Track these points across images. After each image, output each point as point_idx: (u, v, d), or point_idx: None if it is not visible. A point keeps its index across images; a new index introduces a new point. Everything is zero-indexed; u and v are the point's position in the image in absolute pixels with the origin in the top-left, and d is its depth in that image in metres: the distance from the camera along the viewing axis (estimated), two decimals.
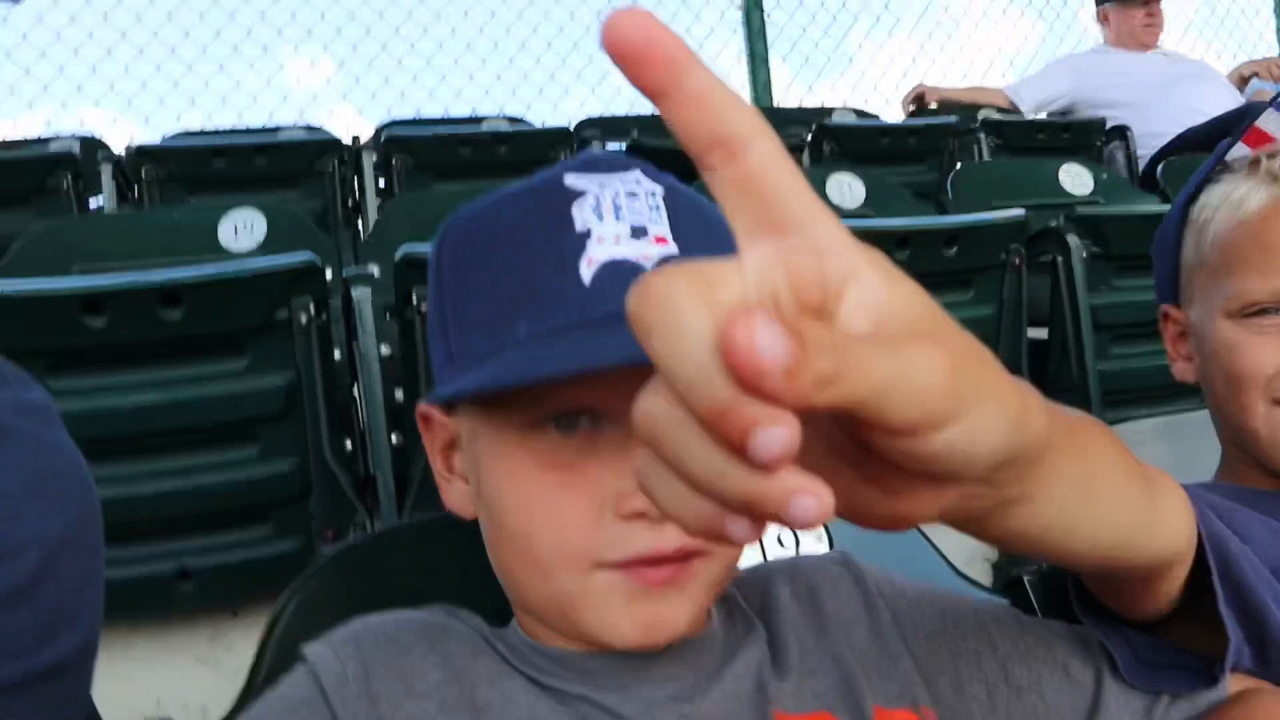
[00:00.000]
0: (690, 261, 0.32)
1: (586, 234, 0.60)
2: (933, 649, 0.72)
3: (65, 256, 2.15)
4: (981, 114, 4.43)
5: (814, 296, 0.33)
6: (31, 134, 3.84)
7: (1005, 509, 0.42)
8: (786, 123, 4.61)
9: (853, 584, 0.75)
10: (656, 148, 3.49)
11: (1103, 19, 4.63)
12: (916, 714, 0.68)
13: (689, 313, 0.30)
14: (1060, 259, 2.40)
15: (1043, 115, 4.53)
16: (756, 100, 5.31)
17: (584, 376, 0.57)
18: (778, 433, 0.29)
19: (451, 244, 0.67)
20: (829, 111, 4.85)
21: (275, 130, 3.88)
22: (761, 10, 5.40)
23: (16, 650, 0.47)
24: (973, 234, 2.25)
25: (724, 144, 0.33)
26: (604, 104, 4.77)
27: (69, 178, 2.98)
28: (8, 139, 3.79)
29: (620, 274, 0.59)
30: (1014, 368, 2.28)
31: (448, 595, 0.80)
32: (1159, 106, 4.17)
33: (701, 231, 0.63)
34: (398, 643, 0.67)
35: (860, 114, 4.97)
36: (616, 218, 0.60)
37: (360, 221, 3.38)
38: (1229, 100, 4.18)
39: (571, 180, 0.63)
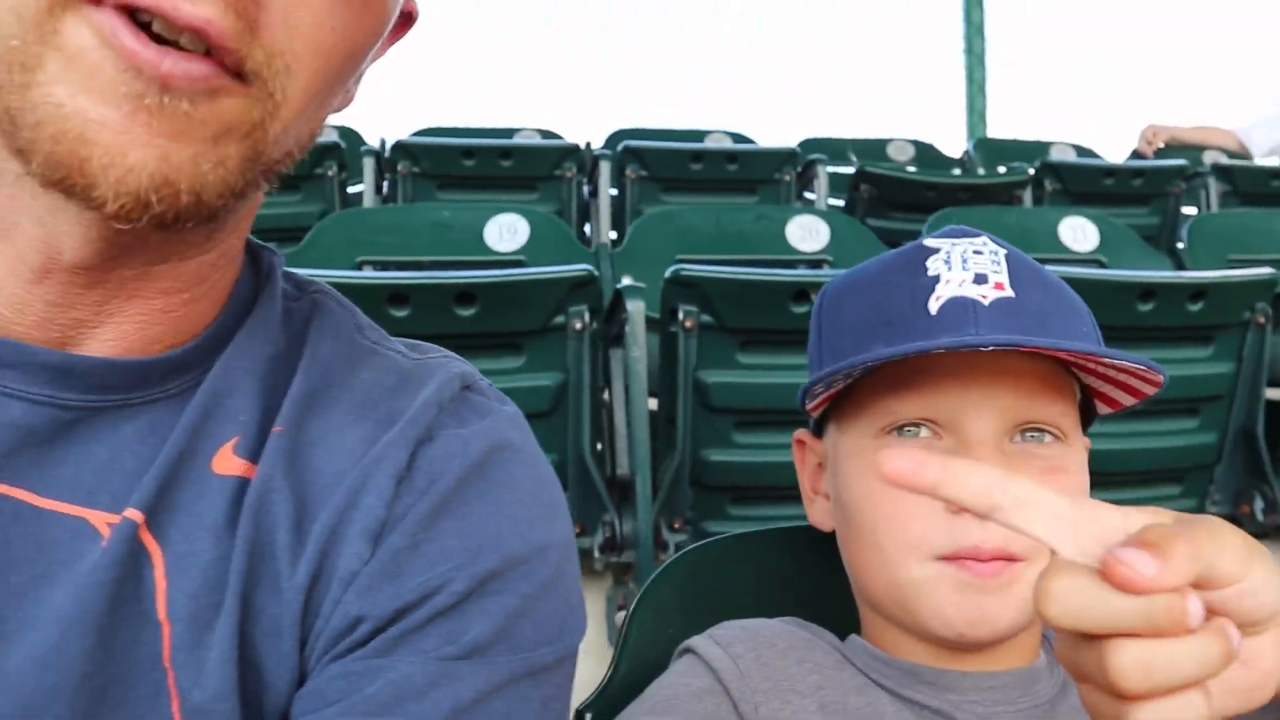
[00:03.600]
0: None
1: (936, 279, 0.73)
2: None
3: (350, 247, 2.35)
4: (1209, 157, 4.28)
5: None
6: None
7: None
8: (1004, 156, 4.57)
9: None
10: (880, 174, 3.52)
11: None
12: None
13: (1090, 589, 0.42)
14: None
15: (1275, 160, 4.35)
16: (971, 130, 5.27)
17: (925, 394, 0.71)
18: (1195, 603, 0.42)
19: (830, 295, 0.81)
20: (1047, 146, 4.78)
21: (511, 132, 4.08)
22: (983, 37, 5.35)
23: (551, 636, 0.55)
24: (1220, 290, 2.23)
25: (995, 509, 0.45)
26: (826, 126, 4.81)
27: (335, 166, 3.23)
28: None
29: (961, 308, 0.71)
30: (1250, 429, 2.25)
31: (786, 605, 0.86)
32: None
33: (1037, 285, 0.75)
34: (775, 646, 0.75)
35: (1080, 150, 4.88)
36: (964, 268, 0.74)
37: (591, 227, 3.53)
38: None
39: (929, 241, 0.76)
